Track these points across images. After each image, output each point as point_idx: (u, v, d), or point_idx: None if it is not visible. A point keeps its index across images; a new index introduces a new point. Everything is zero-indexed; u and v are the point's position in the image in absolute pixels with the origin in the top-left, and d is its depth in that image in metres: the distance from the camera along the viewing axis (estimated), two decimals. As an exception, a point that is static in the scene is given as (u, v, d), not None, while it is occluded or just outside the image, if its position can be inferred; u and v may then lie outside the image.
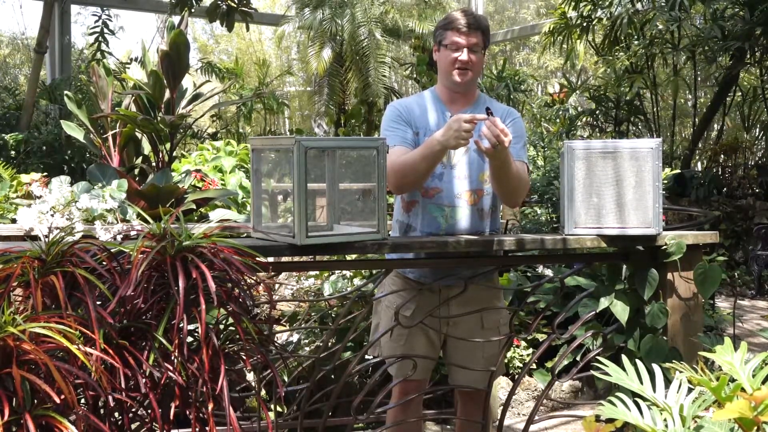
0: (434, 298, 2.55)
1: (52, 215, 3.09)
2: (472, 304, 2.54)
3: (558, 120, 9.66)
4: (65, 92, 5.45)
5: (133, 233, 2.17)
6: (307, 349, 3.74)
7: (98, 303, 1.63)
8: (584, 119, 9.73)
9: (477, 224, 2.57)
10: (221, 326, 1.86)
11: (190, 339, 1.72)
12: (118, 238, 2.20)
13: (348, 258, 3.05)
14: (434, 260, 2.54)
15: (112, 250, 1.75)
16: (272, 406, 3.11)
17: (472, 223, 2.56)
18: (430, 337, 2.59)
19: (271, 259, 2.58)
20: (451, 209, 2.54)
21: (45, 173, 5.29)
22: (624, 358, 1.39)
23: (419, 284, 2.57)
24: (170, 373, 1.63)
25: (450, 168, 2.53)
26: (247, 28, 8.70)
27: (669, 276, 2.52)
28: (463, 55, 2.51)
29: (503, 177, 2.44)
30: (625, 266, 2.60)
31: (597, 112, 9.49)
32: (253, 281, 1.83)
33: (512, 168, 2.42)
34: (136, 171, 5.06)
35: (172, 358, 1.66)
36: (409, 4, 12.10)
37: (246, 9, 7.87)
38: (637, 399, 1.28)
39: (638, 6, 8.40)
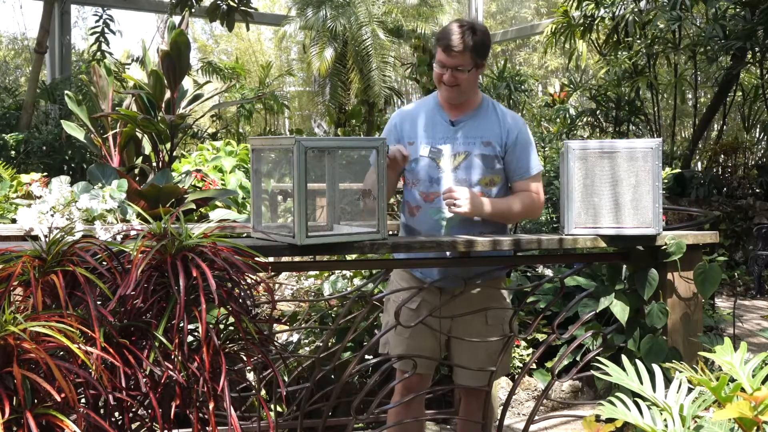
0: (438, 296, 2.57)
1: (52, 215, 3.08)
2: (475, 303, 2.54)
3: (558, 120, 9.64)
4: (66, 91, 5.43)
5: (133, 233, 2.17)
6: (307, 349, 3.74)
7: (99, 302, 1.63)
8: (585, 119, 9.71)
9: (478, 226, 2.56)
10: (221, 326, 1.86)
11: (190, 338, 1.72)
12: (118, 237, 2.20)
13: (348, 258, 3.05)
14: (436, 260, 2.54)
15: (113, 250, 1.75)
16: (272, 406, 3.11)
17: (472, 227, 2.55)
18: (434, 332, 2.60)
19: (271, 259, 2.58)
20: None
21: (45, 173, 5.28)
22: (624, 358, 1.39)
23: (425, 282, 2.57)
24: (171, 372, 1.63)
25: (450, 172, 2.53)
26: (248, 28, 8.70)
27: (669, 276, 2.52)
28: (446, 75, 2.50)
29: (495, 220, 2.56)
30: (625, 266, 2.60)
31: (597, 112, 9.48)
32: (253, 281, 1.83)
33: (498, 213, 2.52)
34: (137, 171, 5.05)
35: (173, 357, 1.66)
36: (410, 4, 12.10)
37: (246, 9, 7.87)
38: (637, 399, 1.28)
39: (642, 5, 8.38)
